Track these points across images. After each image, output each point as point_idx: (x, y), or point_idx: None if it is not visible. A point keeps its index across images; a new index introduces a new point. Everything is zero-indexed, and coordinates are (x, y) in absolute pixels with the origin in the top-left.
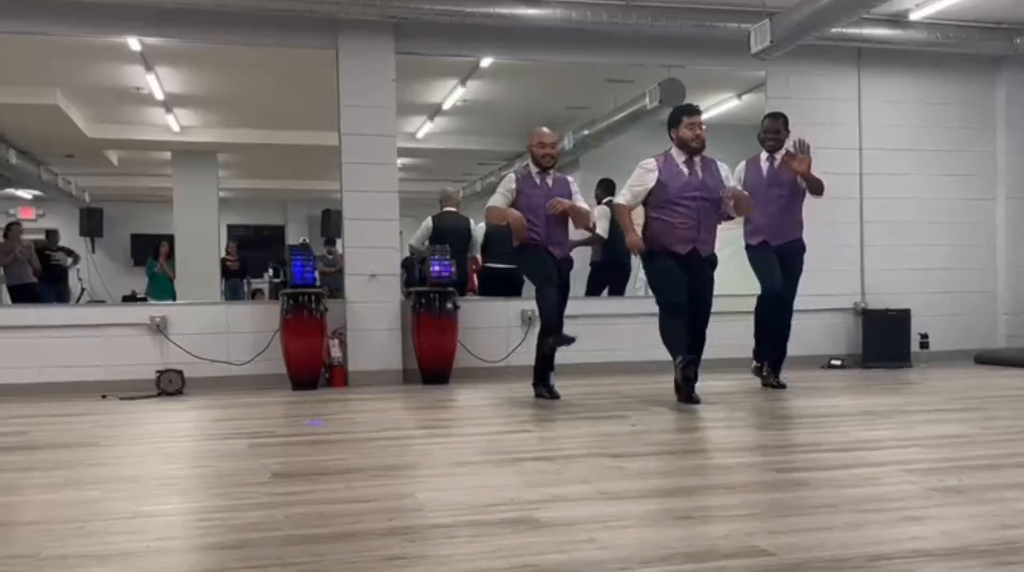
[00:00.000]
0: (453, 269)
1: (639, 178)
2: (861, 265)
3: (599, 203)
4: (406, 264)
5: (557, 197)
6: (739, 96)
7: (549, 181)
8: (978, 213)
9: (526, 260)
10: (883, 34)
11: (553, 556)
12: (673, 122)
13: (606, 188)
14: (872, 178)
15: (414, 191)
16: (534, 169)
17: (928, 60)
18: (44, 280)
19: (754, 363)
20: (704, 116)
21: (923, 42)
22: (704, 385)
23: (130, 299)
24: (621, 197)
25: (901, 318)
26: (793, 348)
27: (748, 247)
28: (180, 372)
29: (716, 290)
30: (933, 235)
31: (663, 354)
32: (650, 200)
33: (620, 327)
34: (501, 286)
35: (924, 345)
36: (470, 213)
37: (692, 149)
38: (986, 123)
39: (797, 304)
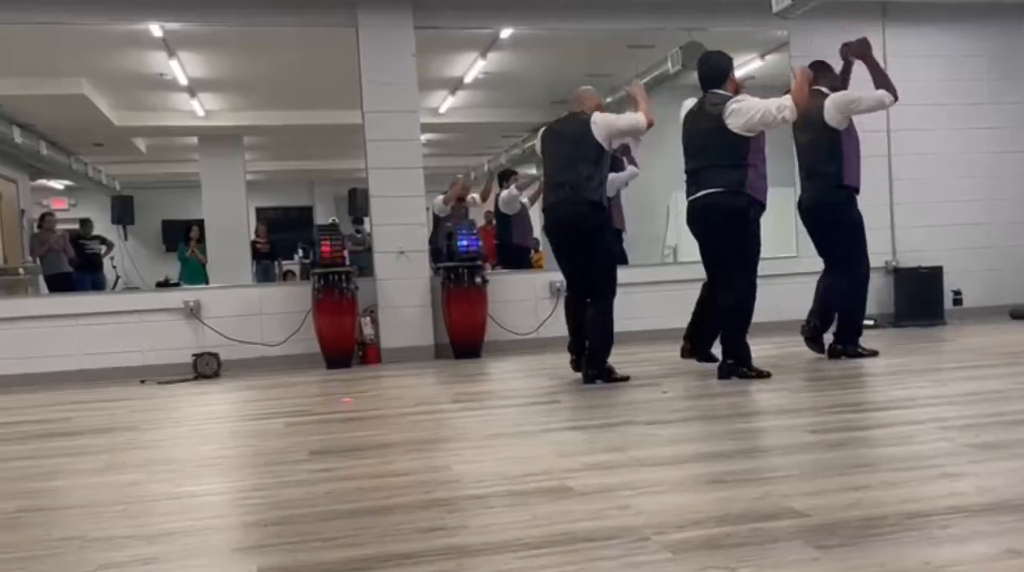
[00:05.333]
0: (481, 243)
1: None
2: (891, 223)
3: None
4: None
5: None
6: (762, 57)
7: None
8: (1008, 166)
9: None
10: None
11: (588, 523)
12: None
13: None
14: (900, 134)
15: (439, 167)
16: None
17: (953, 12)
18: (79, 269)
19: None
20: None
21: None
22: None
23: (164, 284)
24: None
25: (933, 275)
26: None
27: None
28: (216, 355)
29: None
30: (964, 190)
31: (685, 320)
32: None
33: (645, 295)
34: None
35: (957, 302)
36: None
37: None
38: (1015, 74)
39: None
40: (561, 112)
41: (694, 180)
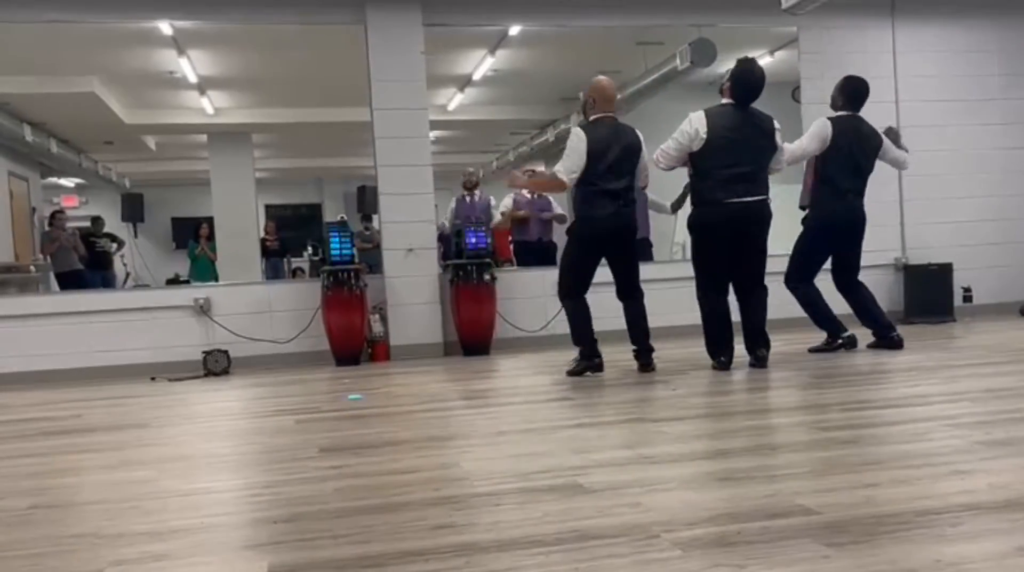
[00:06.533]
0: (489, 241)
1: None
2: (901, 220)
3: None
4: (442, 238)
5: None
6: (771, 53)
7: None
8: (1019, 162)
9: None
10: None
11: (598, 520)
12: None
13: None
14: (910, 130)
15: (447, 164)
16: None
17: (963, 6)
18: (90, 266)
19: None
20: None
21: None
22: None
23: (174, 282)
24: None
25: (943, 272)
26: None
27: None
28: (226, 352)
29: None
30: (974, 186)
31: (695, 318)
32: None
33: (654, 292)
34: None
35: (967, 298)
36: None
37: None
38: None
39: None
40: (572, 109)
41: (747, 179)
